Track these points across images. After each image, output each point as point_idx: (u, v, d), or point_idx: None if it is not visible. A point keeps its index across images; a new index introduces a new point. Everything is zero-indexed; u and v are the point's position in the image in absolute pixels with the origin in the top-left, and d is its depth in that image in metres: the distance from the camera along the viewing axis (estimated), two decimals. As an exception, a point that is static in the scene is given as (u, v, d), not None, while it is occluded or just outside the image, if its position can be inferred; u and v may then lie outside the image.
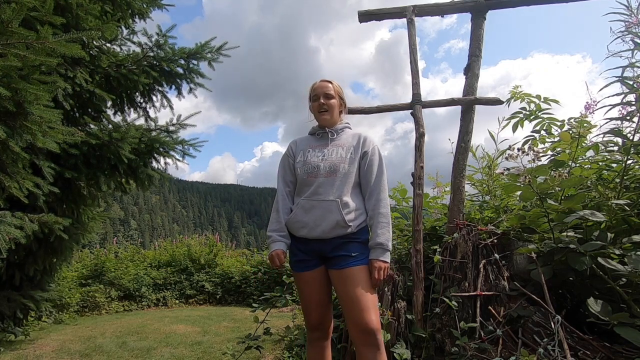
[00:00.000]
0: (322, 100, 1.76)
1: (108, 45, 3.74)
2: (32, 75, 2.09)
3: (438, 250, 2.50)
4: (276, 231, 1.72)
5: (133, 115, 4.03)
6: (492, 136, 3.06)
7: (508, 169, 2.39)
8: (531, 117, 3.01)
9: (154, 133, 3.68)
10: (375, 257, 1.58)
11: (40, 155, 2.74)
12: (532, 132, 2.97)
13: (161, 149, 3.64)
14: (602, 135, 2.46)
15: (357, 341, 1.55)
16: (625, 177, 2.13)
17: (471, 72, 2.81)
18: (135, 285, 6.24)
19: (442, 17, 2.99)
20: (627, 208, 2.01)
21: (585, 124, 2.45)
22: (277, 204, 1.78)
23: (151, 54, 3.72)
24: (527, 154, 2.04)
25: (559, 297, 2.22)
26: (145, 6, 3.95)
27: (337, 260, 1.61)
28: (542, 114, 2.97)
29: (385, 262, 1.58)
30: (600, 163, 2.41)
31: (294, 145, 1.85)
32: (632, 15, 2.36)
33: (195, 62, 3.91)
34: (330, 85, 1.79)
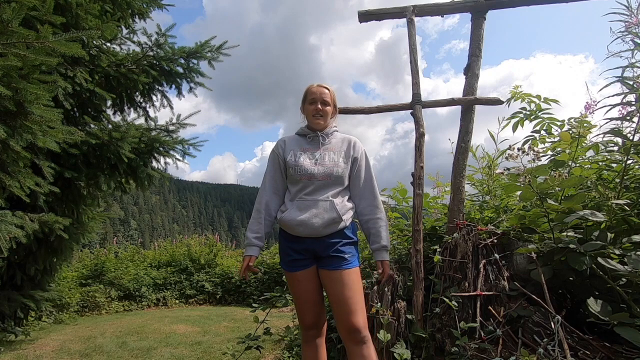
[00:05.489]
0: (319, 106, 1.80)
1: (108, 44, 3.74)
2: (32, 74, 2.09)
3: (438, 250, 2.50)
4: (254, 232, 1.75)
5: (133, 114, 4.04)
6: (492, 136, 3.06)
7: (508, 169, 2.39)
8: (531, 117, 3.01)
9: (153, 132, 3.69)
10: (382, 258, 1.73)
11: (40, 155, 2.74)
12: (532, 132, 2.97)
13: (161, 149, 3.64)
14: (602, 135, 2.46)
15: (345, 338, 1.64)
16: (625, 177, 2.13)
17: (471, 72, 2.81)
18: (135, 285, 6.25)
19: (443, 17, 2.99)
20: (627, 208, 2.01)
21: (585, 124, 2.45)
22: (260, 202, 1.78)
23: (151, 53, 3.73)
24: (527, 154, 2.03)
25: (559, 297, 2.21)
26: (145, 6, 3.95)
27: (330, 261, 1.66)
28: (542, 114, 2.96)
29: (388, 260, 1.76)
30: (600, 163, 2.41)
31: (283, 144, 1.85)
32: (632, 15, 2.36)
33: (195, 61, 3.91)
34: (327, 92, 1.84)
